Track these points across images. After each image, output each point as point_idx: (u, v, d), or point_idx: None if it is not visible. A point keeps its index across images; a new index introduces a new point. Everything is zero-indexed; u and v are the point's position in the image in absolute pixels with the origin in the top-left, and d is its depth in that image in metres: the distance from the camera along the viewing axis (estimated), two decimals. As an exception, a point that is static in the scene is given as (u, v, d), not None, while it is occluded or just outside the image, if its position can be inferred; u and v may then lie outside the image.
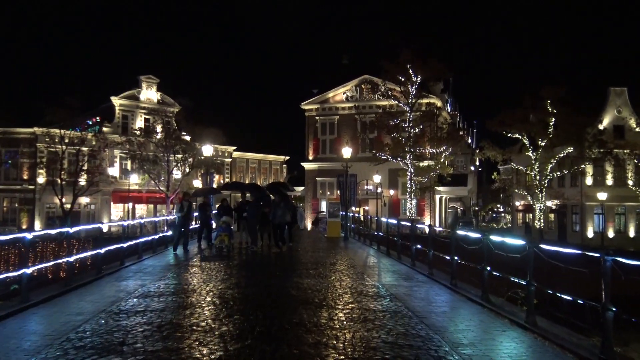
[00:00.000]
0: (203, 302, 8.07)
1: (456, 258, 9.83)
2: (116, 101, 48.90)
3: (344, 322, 6.73)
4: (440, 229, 11.64)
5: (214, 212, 16.92)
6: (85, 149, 42.00)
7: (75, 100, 38.44)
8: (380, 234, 18.13)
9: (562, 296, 6.44)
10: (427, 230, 13.39)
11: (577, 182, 42.92)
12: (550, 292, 6.49)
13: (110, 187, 46.92)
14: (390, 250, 16.36)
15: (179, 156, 41.85)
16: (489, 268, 8.23)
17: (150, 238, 15.40)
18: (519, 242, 7.21)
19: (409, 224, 13.84)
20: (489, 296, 8.22)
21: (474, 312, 7.72)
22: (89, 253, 12.32)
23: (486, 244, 8.29)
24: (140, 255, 14.10)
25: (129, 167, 45.52)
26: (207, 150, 21.93)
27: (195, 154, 42.08)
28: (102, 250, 11.20)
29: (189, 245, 16.24)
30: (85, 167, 42.75)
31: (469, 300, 8.57)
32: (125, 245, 12.70)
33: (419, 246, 12.82)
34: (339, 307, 7.75)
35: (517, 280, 7.34)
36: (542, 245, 6.58)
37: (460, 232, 9.83)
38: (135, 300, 8.16)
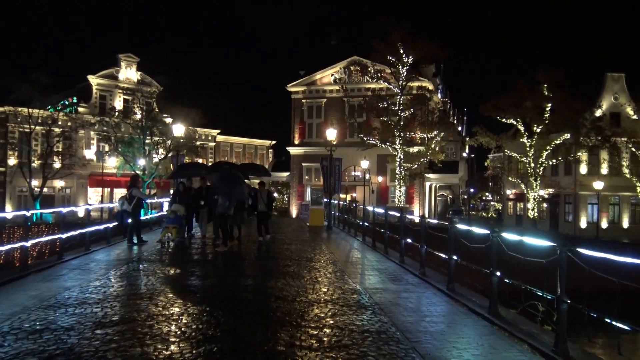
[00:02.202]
0: (127, 315, 6.24)
1: (455, 257, 8.07)
2: (93, 80, 46.56)
3: (308, 353, 4.94)
4: (435, 221, 9.84)
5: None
6: (57, 129, 39.68)
7: (45, 77, 36.09)
8: (366, 224, 16.37)
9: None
10: (416, 220, 11.64)
11: (571, 171, 41.49)
12: (592, 313, 4.73)
13: (87, 171, 44.77)
14: (377, 242, 14.64)
15: (157, 138, 39.69)
16: (499, 274, 6.48)
17: (103, 227, 13.46)
18: (543, 243, 5.45)
19: (397, 214, 12.06)
20: (498, 309, 6.49)
21: (480, 331, 5.99)
22: (16, 245, 10.37)
23: (496, 243, 6.54)
24: (88, 247, 12.21)
25: (105, 149, 43.21)
26: (178, 129, 19.95)
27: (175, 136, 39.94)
28: (28, 243, 9.26)
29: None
30: (57, 149, 40.60)
31: (472, 312, 6.83)
32: (64, 236, 10.77)
33: (409, 240, 11.07)
34: (307, 324, 5.96)
35: (540, 294, 5.59)
36: (580, 250, 4.82)
37: (461, 226, 8.06)
38: (42, 312, 6.29)
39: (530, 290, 5.99)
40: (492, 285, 6.55)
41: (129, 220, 12.99)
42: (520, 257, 6.01)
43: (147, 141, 40.09)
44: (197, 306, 6.75)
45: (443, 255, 8.56)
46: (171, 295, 7.36)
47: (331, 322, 6.10)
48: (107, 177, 42.06)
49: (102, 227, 13.45)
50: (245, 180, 13.44)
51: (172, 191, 15.02)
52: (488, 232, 6.70)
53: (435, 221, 9.35)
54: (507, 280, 6.35)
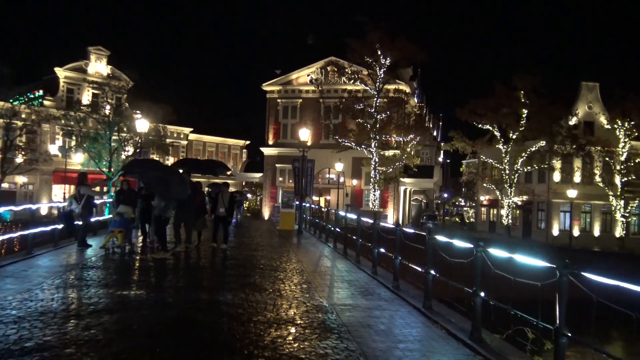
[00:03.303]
0: (44, 339, 5.23)
1: (432, 272, 7.27)
2: (61, 73, 44.69)
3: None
4: (411, 230, 8.97)
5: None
6: (19, 122, 37.82)
7: (5, 67, 34.28)
8: (337, 229, 15.52)
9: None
10: (390, 227, 10.82)
11: (544, 179, 41.52)
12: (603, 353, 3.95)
13: (52, 167, 42.87)
14: (348, 249, 13.82)
15: (125, 135, 38.14)
16: (483, 294, 5.69)
17: (50, 228, 12.26)
18: (539, 263, 4.66)
19: (370, 221, 11.23)
20: (481, 335, 5.69)
21: (462, 361, 5.18)
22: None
23: (481, 259, 5.74)
24: (31, 251, 11.04)
25: (69, 145, 41.39)
26: (142, 125, 18.76)
27: (145, 133, 38.60)
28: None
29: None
30: (20, 143, 38.75)
31: (451, 336, 6.02)
32: (-1, 238, 9.62)
33: (382, 250, 10.25)
34: (260, 353, 5.05)
35: (532, 320, 4.80)
36: (584, 274, 4.03)
37: (440, 238, 7.26)
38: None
39: (519, 315, 5.20)
40: (475, 307, 5.76)
41: (79, 222, 11.85)
42: (509, 277, 5.21)
43: (114, 137, 38.51)
44: (134, 330, 5.77)
45: (419, 269, 7.76)
46: (105, 315, 6.33)
47: (290, 349, 5.20)
48: (71, 173, 40.29)
49: (49, 228, 12.23)
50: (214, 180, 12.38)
51: (114, 190, 13.55)
52: (472, 245, 5.90)
53: (411, 230, 8.50)
54: (493, 302, 5.55)
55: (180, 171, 11.93)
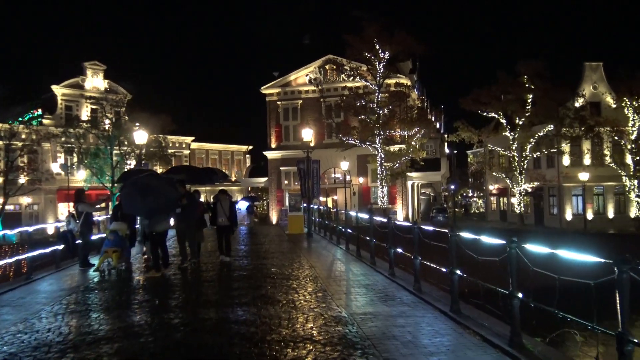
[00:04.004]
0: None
1: (458, 272, 6.68)
2: (58, 90, 44.50)
3: None
4: (431, 228, 8.34)
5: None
6: (18, 143, 37.49)
7: (2, 88, 33.96)
8: (349, 230, 14.93)
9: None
10: (397, 221, 10.24)
11: (553, 163, 40.76)
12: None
13: (55, 185, 42.59)
14: (362, 250, 13.24)
15: (126, 148, 37.71)
16: (521, 295, 5.09)
17: (49, 250, 11.73)
18: (588, 258, 4.06)
19: (384, 220, 10.65)
20: (522, 340, 5.09)
21: (505, 374, 4.58)
22: None
23: (515, 256, 5.15)
24: (30, 275, 10.53)
25: (71, 162, 41.02)
26: (140, 137, 18.25)
27: (146, 145, 38.25)
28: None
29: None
30: (22, 164, 38.48)
31: (487, 343, 5.43)
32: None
33: (399, 250, 9.67)
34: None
35: (589, 326, 4.20)
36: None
37: (466, 235, 6.66)
38: None
39: (564, 317, 4.61)
40: (514, 310, 5.16)
41: (79, 241, 11.32)
42: (552, 275, 4.61)
43: (115, 151, 38.12)
44: (139, 343, 5.21)
45: (443, 269, 7.17)
46: (105, 345, 5.76)
47: (310, 373, 4.63)
48: (74, 191, 39.92)
49: (48, 250, 11.70)
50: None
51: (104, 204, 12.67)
52: (503, 242, 5.30)
53: (430, 228, 7.92)
54: (534, 305, 4.95)
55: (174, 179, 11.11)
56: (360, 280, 9.64)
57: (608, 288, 3.83)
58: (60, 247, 11.72)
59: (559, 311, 4.59)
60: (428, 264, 7.97)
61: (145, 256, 11.67)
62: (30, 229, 11.69)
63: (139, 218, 11.37)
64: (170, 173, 12.29)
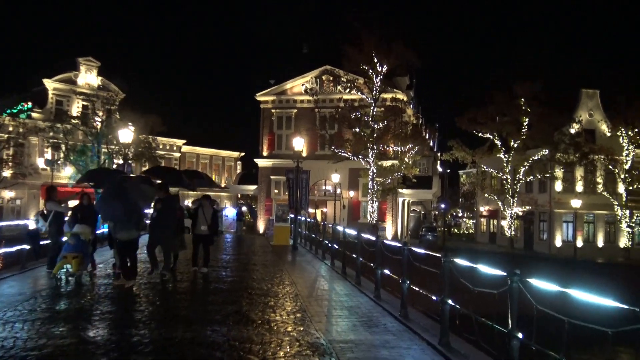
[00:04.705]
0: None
1: (450, 302, 6.08)
2: (49, 84, 43.68)
3: None
4: (422, 251, 7.73)
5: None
6: (4, 135, 36.62)
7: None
8: (335, 246, 14.31)
9: None
10: (386, 239, 9.63)
11: (545, 188, 40.49)
12: None
13: (40, 180, 41.59)
14: (348, 267, 12.62)
15: (113, 147, 36.93)
16: (521, 336, 4.50)
17: (13, 249, 10.99)
18: (609, 303, 3.49)
19: (372, 238, 10.06)
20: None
21: None
22: None
23: (517, 290, 4.57)
24: (-12, 276, 9.80)
25: (58, 158, 40.09)
26: (125, 135, 17.58)
27: (134, 144, 37.59)
28: None
29: None
30: (7, 157, 37.55)
31: (480, 387, 4.83)
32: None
33: (386, 271, 9.07)
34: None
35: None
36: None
37: (460, 262, 6.08)
38: None
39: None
40: (512, 351, 4.57)
41: (47, 242, 10.59)
42: (561, 317, 4.02)
43: (103, 150, 37.32)
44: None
45: (433, 297, 6.58)
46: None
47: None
48: (60, 187, 38.98)
49: (14, 248, 10.96)
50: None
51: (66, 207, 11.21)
52: (504, 274, 4.73)
53: (421, 251, 7.31)
54: (536, 348, 4.36)
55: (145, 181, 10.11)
56: (343, 302, 9.01)
57: (630, 337, 3.26)
58: (27, 247, 11.00)
59: (564, 355, 4.00)
60: (417, 289, 7.36)
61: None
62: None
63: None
64: (148, 174, 11.37)
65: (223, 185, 57.73)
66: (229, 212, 33.09)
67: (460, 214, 75.13)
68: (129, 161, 24.24)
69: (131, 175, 11.16)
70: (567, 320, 3.94)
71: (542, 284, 4.33)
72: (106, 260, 11.61)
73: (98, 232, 11.34)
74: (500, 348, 5.05)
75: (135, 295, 8.99)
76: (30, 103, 43.14)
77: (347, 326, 7.17)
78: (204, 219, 11.17)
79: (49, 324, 6.73)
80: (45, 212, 10.61)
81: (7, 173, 37.36)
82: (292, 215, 19.78)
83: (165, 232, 10.13)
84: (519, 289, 4.59)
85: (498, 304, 4.99)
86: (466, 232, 64.88)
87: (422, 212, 57.72)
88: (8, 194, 40.75)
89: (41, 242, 10.91)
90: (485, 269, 5.34)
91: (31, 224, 11.01)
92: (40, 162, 41.36)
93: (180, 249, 11.42)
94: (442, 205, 56.74)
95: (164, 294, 9.32)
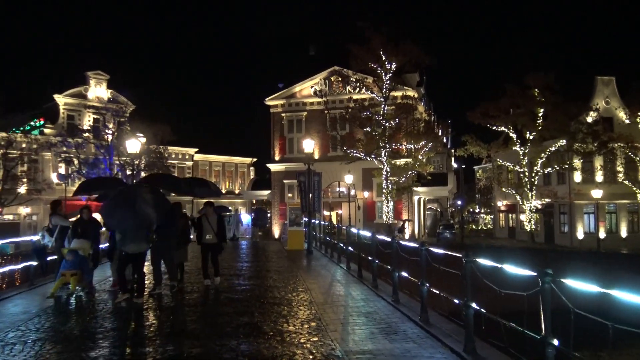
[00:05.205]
0: None
1: (474, 306, 5.62)
2: (60, 100, 44.12)
3: None
4: (441, 251, 7.26)
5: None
6: (16, 152, 36.87)
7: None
8: (350, 249, 13.87)
9: None
10: (409, 244, 9.18)
11: (564, 179, 39.55)
12: None
13: (54, 195, 41.76)
14: (364, 270, 12.18)
15: (125, 158, 36.94)
16: (556, 343, 4.04)
17: (20, 266, 10.74)
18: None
19: (388, 239, 9.61)
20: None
21: None
22: None
23: (549, 292, 4.11)
24: (-5, 294, 9.54)
25: (71, 172, 40.28)
26: (133, 146, 17.34)
27: (144, 154, 37.65)
28: None
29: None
30: (22, 173, 37.88)
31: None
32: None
33: (403, 273, 8.61)
34: None
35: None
36: None
37: (483, 262, 5.62)
38: None
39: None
40: (547, 358, 4.10)
41: (54, 257, 10.32)
42: (603, 322, 3.56)
43: (115, 161, 37.41)
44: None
45: (455, 300, 6.12)
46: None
47: None
48: (72, 201, 39.15)
49: (20, 265, 10.71)
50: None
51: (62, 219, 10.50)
52: (533, 273, 4.26)
53: (440, 251, 6.85)
54: (578, 356, 3.89)
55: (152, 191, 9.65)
56: (359, 307, 8.57)
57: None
58: (35, 263, 10.74)
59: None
60: (437, 292, 6.90)
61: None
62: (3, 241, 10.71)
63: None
64: (147, 181, 10.88)
65: (237, 191, 57.58)
66: (244, 218, 32.78)
67: (477, 210, 74.08)
68: (141, 172, 24.16)
69: (140, 183, 10.67)
70: (612, 325, 3.47)
71: (578, 284, 3.86)
72: (108, 276, 11.16)
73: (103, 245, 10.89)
74: (531, 354, 4.59)
75: (141, 310, 8.62)
76: (42, 119, 43.53)
77: (365, 334, 6.74)
78: (209, 226, 10.71)
79: (51, 344, 6.40)
80: (50, 226, 10.34)
81: (22, 189, 37.59)
82: (306, 219, 19.39)
83: (165, 243, 9.60)
84: (552, 290, 4.12)
85: (528, 306, 4.53)
86: (484, 227, 63.87)
87: (439, 210, 56.95)
88: (24, 210, 41.04)
89: (48, 258, 10.63)
90: (512, 268, 4.88)
91: (38, 239, 10.74)
92: (54, 177, 41.60)
93: (183, 259, 10.93)
94: (459, 202, 55.97)
95: (172, 308, 8.92)
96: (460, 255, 5.85)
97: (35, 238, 11.28)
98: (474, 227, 64.41)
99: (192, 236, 12.14)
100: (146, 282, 9.57)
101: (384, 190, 34.65)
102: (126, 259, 8.78)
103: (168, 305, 9.09)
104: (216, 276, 10.97)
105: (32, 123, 42.83)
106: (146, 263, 9.93)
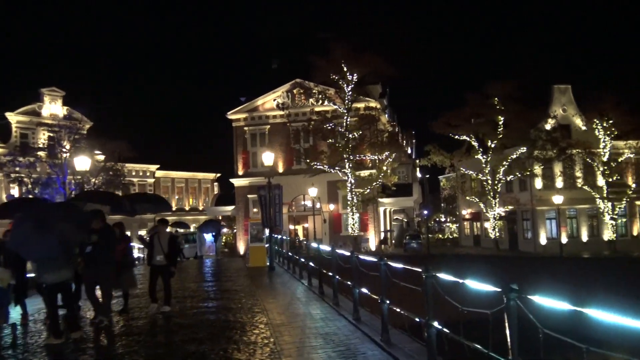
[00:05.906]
0: None
1: (436, 324, 5.13)
2: (12, 117, 42.24)
3: None
4: (400, 266, 6.72)
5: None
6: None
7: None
8: (311, 264, 13.31)
9: None
10: (368, 258, 8.67)
11: (526, 186, 40.09)
12: None
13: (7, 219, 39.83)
14: (325, 286, 11.61)
15: (80, 177, 35.48)
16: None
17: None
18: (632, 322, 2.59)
19: (347, 254, 9.10)
20: None
21: None
22: None
23: (514, 309, 3.64)
24: None
25: (22, 193, 38.43)
26: (82, 163, 16.38)
27: (105, 173, 36.32)
28: None
29: None
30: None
31: None
32: None
33: (364, 290, 8.09)
34: None
35: None
36: None
37: (443, 277, 5.14)
38: None
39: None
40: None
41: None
42: (578, 345, 3.11)
43: (70, 180, 35.85)
44: None
45: (416, 319, 5.63)
46: None
47: None
48: None
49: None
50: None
51: None
52: (497, 289, 3.81)
53: (399, 265, 6.34)
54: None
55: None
56: (318, 328, 7.99)
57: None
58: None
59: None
60: (398, 310, 6.40)
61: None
62: None
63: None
64: (79, 199, 9.92)
65: (201, 208, 56.28)
66: (206, 235, 31.83)
67: (443, 219, 74.65)
68: (100, 189, 23.20)
69: (56, 202, 9.74)
70: (586, 349, 3.01)
71: (547, 301, 3.41)
72: (34, 311, 10.10)
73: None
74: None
75: (76, 344, 7.73)
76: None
77: (322, 359, 6.17)
78: (159, 247, 9.79)
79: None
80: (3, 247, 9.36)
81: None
82: (268, 234, 18.75)
83: (103, 269, 8.45)
84: (518, 308, 3.66)
85: (493, 324, 4.07)
86: (450, 236, 64.29)
87: (405, 220, 57.03)
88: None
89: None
90: (474, 284, 4.41)
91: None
92: (4, 199, 39.63)
93: (130, 286, 10.03)
94: (424, 212, 56.22)
95: (111, 339, 8.01)
96: (420, 270, 5.37)
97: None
98: (440, 236, 64.77)
99: (141, 256, 11.32)
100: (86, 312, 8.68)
101: (349, 202, 34.32)
102: (50, 291, 7.65)
103: (108, 337, 8.20)
104: (166, 304, 9.85)
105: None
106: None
